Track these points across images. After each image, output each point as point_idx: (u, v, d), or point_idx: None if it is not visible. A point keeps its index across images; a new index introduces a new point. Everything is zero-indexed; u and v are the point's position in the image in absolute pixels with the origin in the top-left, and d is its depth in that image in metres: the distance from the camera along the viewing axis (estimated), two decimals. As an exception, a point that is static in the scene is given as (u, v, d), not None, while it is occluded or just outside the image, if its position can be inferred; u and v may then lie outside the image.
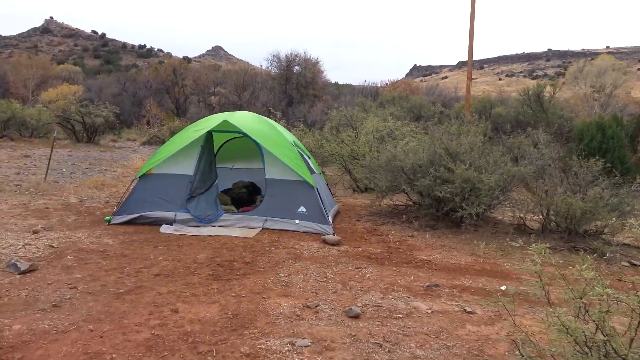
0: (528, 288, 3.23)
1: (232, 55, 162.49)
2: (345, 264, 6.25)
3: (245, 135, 8.57)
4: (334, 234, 7.64)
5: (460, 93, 39.82)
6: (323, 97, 43.52)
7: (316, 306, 4.76)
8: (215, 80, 51.20)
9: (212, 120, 8.72)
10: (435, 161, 8.28)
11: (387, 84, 41.20)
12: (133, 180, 8.37)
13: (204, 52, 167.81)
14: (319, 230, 7.77)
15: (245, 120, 8.80)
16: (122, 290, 5.10)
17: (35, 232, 7.20)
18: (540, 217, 8.12)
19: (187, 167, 8.33)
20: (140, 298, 4.90)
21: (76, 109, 22.52)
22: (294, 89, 44.17)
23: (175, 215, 8.03)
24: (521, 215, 8.24)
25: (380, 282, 5.58)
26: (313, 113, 33.77)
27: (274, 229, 7.88)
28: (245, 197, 9.59)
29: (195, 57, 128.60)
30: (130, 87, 45.99)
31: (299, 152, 8.64)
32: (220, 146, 9.99)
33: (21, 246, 6.50)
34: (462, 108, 29.47)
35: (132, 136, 30.81)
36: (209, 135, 8.55)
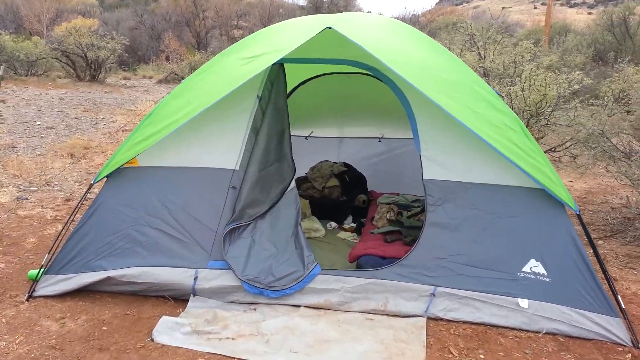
0: None
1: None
2: None
3: (376, 76, 3.28)
4: (637, 345, 2.51)
5: (509, 19, 33.05)
6: (357, 29, 37.20)
7: None
8: (239, 12, 44.96)
9: (289, 32, 3.31)
10: None
11: (428, 12, 34.55)
12: (91, 184, 3.17)
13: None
14: (588, 332, 2.62)
15: (371, 31, 3.29)
16: None
17: None
18: None
19: (225, 150, 3.09)
20: None
21: (75, 41, 16.98)
22: (325, 20, 37.84)
23: (196, 275, 2.88)
24: None
25: None
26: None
27: (460, 321, 2.75)
28: (337, 199, 4.36)
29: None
30: (147, 20, 40.16)
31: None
32: (290, 92, 4.53)
33: None
34: (530, 35, 23.61)
35: (149, 73, 25.37)
36: (279, 71, 3.26)
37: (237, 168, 3.08)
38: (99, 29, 34.89)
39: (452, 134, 2.96)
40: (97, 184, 3.14)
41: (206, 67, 3.31)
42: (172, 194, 3.04)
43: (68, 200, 4.91)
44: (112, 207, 3.02)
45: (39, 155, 6.83)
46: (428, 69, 3.02)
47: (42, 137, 8.09)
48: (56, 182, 5.57)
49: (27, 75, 18.65)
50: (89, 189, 3.15)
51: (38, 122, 9.36)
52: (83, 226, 2.99)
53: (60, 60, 17.59)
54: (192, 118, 2.92)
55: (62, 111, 11.15)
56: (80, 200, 3.16)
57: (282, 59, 2.96)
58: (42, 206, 4.67)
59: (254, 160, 3.09)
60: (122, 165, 3.04)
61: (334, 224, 4.17)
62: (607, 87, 6.92)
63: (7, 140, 7.59)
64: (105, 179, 3.09)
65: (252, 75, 2.88)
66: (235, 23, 42.15)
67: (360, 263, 3.06)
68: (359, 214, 4.24)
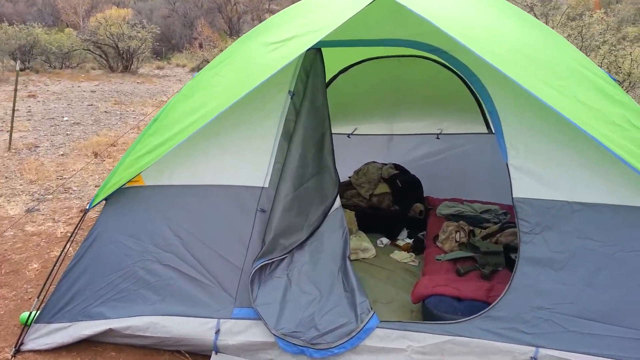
0: None
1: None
2: None
3: (441, 59, 2.48)
4: None
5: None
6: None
7: None
8: (270, -5, 44.19)
9: (327, 6, 2.52)
10: None
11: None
12: (86, 211, 2.56)
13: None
14: None
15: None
16: None
17: None
18: None
19: (251, 163, 2.41)
20: None
21: (105, 31, 16.68)
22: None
23: (218, 328, 2.24)
24: None
25: None
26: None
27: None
28: (388, 209, 3.63)
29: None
30: (180, 8, 40.01)
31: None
32: (329, 81, 3.75)
33: None
34: (579, 6, 21.35)
35: (182, 61, 25.03)
36: (315, 58, 2.52)
37: (267, 185, 2.39)
38: (132, 18, 34.88)
39: (554, 136, 2.17)
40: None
41: (224, 57, 2.61)
42: (185, 221, 2.39)
43: (83, 210, 4.37)
44: (112, 238, 2.40)
45: (62, 155, 6.39)
46: (518, 47, 2.21)
47: (67, 135, 7.67)
48: (75, 188, 5.07)
49: (61, 68, 18.59)
50: (82, 217, 2.54)
51: (65, 118, 8.97)
52: (78, 263, 2.39)
53: (93, 52, 17.36)
54: (207, 123, 2.25)
55: (92, 105, 10.78)
56: (74, 232, 2.55)
57: (319, 42, 2.22)
58: (53, 219, 4.15)
59: (287, 175, 2.39)
60: (124, 184, 2.41)
61: (385, 240, 3.44)
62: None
63: (31, 139, 7.19)
64: (104, 202, 2.47)
65: (281, 66, 2.16)
66: (267, 7, 41.37)
67: (428, 307, 2.33)
68: (415, 227, 3.50)
